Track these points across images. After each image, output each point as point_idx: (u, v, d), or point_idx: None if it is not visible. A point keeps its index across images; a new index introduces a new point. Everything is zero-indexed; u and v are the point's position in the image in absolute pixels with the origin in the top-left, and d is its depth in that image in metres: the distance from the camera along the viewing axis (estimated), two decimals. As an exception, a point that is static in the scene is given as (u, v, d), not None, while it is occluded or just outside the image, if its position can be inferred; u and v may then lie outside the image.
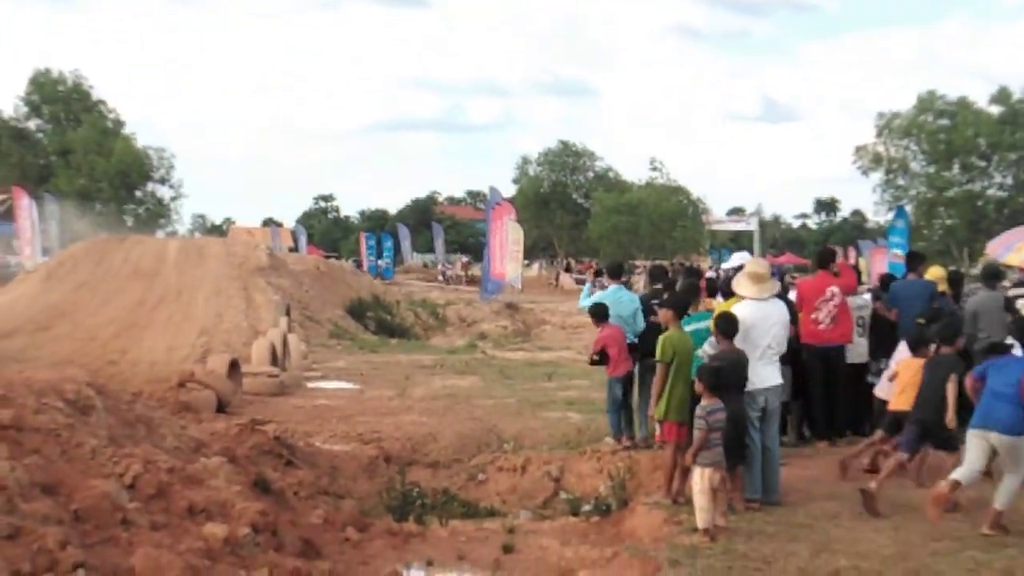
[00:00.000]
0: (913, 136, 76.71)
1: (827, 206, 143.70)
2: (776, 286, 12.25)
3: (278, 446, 14.74)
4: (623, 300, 15.27)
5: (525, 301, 51.09)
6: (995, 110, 74.72)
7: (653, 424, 12.64)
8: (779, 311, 11.79)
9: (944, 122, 75.67)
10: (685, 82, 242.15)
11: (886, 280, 16.39)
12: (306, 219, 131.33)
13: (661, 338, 11.97)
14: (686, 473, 11.54)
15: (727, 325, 11.30)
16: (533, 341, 39.17)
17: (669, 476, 11.68)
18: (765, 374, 11.46)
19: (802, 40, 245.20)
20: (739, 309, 11.60)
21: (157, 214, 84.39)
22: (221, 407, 18.65)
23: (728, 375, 10.80)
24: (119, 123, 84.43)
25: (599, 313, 14.56)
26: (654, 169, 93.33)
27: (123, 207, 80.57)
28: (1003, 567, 9.06)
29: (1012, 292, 15.45)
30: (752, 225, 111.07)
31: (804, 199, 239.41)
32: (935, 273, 16.52)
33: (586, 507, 13.08)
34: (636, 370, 14.81)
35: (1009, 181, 75.64)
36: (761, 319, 11.57)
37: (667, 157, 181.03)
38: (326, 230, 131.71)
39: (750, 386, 11.23)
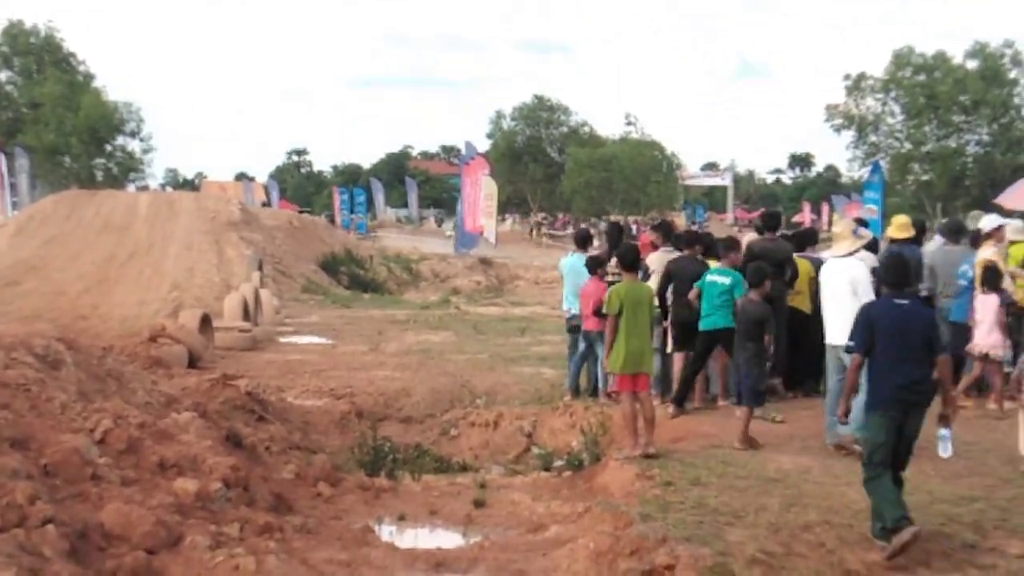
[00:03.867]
0: (890, 92, 76.72)
1: (801, 161, 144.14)
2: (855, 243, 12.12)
3: (250, 401, 14.70)
4: (578, 268, 15.64)
5: (499, 256, 51.03)
6: (971, 65, 74.72)
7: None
8: (845, 267, 11.78)
9: (921, 78, 75.69)
10: (660, 38, 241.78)
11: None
12: (279, 174, 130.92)
13: (609, 290, 12.03)
14: (651, 423, 11.61)
15: None
16: (506, 296, 39.18)
17: (632, 428, 11.67)
18: None
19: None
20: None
21: (128, 168, 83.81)
22: (193, 362, 18.61)
23: None
24: (89, 76, 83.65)
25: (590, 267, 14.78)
26: (629, 124, 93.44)
27: (93, 161, 79.91)
28: (972, 521, 9.11)
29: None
30: (726, 180, 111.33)
31: (778, 154, 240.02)
32: (897, 221, 16.56)
33: (558, 462, 13.09)
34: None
35: (987, 137, 75.73)
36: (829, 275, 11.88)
37: (642, 112, 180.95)
38: (299, 185, 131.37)
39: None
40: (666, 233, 15.95)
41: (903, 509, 8.63)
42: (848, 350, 9.55)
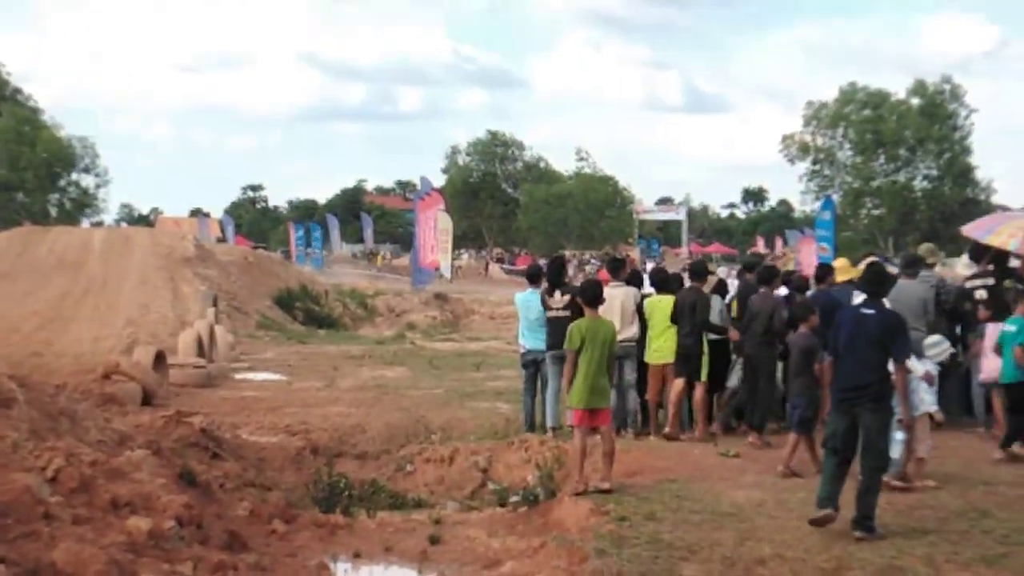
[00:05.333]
0: (840, 127, 77.64)
1: (755, 195, 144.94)
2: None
3: (204, 438, 14.63)
4: (531, 304, 15.93)
5: (454, 291, 51.03)
6: (915, 102, 75.73)
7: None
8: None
9: (868, 112, 76.61)
10: (613, 73, 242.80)
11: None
12: (234, 209, 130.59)
13: (571, 325, 12.15)
14: (610, 458, 11.68)
15: None
16: (462, 331, 39.20)
17: (579, 464, 11.74)
18: None
19: (726, 31, 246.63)
20: None
21: (82, 204, 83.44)
22: (147, 399, 18.50)
23: None
24: (38, 111, 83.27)
25: None
26: (581, 159, 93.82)
27: (47, 197, 79.48)
28: (923, 554, 9.16)
29: (970, 284, 15.50)
30: (681, 215, 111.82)
31: (732, 189, 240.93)
32: (840, 264, 16.83)
33: (514, 498, 13.08)
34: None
35: (935, 172, 76.65)
36: None
37: (595, 147, 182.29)
38: (255, 220, 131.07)
39: None
40: (613, 268, 16.05)
41: (827, 492, 9.88)
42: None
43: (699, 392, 14.91)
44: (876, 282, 10.64)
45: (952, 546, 9.37)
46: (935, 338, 12.43)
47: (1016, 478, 11.81)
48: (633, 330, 14.89)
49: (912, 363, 11.11)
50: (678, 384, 14.83)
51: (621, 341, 14.43)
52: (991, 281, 15.05)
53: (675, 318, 14.97)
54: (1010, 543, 9.40)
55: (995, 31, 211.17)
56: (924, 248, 17.37)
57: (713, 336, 15.39)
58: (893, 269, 15.37)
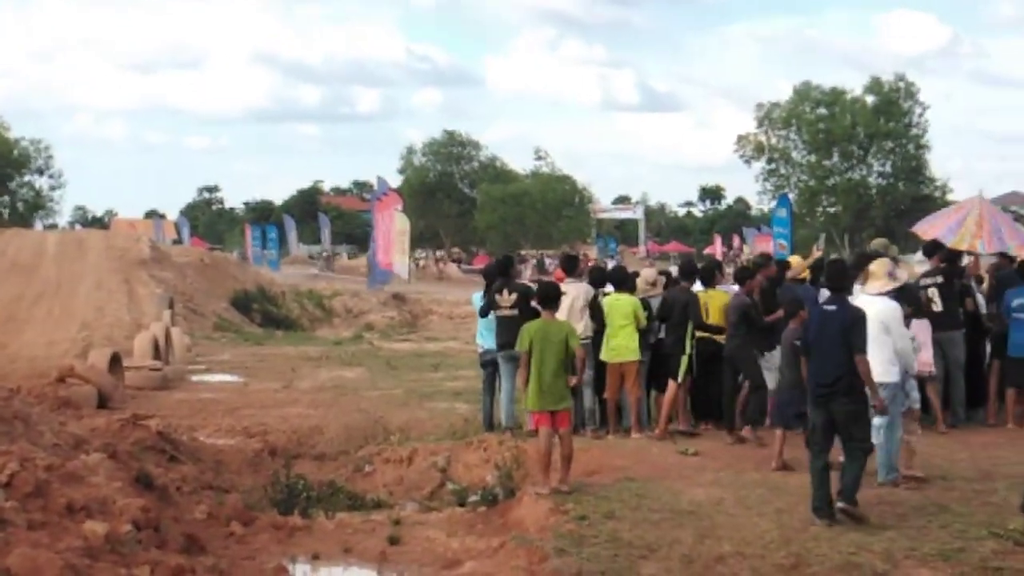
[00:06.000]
0: (793, 126, 78.05)
1: (712, 194, 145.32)
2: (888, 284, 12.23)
3: (161, 441, 14.55)
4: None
5: (412, 291, 50.95)
6: (870, 99, 76.22)
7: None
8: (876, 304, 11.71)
9: (822, 111, 77.06)
10: (569, 72, 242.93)
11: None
12: (190, 211, 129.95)
13: (522, 327, 12.26)
14: (568, 461, 11.70)
15: None
16: (420, 331, 39.15)
17: (544, 465, 11.75)
18: None
19: (681, 29, 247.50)
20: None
21: (35, 206, 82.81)
22: (102, 402, 18.38)
23: None
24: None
25: None
26: (539, 159, 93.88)
27: (-1, 199, 78.93)
28: (882, 549, 9.21)
29: (923, 281, 15.51)
30: (638, 213, 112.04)
31: (689, 187, 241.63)
32: (794, 261, 16.93)
33: (473, 497, 13.06)
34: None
35: (888, 169, 77.18)
36: None
37: (553, 146, 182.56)
38: (211, 222, 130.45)
39: None
40: (568, 266, 16.07)
41: (821, 500, 10.15)
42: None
43: (671, 390, 14.90)
44: (838, 279, 10.90)
45: (910, 541, 9.42)
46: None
47: (974, 473, 11.89)
48: (581, 327, 14.88)
49: (913, 364, 11.67)
50: (672, 385, 14.93)
51: None
52: (940, 279, 15.11)
53: (663, 316, 15.04)
54: (967, 538, 9.45)
55: (947, 30, 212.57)
56: (877, 243, 17.46)
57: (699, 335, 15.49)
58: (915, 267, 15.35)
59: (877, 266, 12.27)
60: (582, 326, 14.82)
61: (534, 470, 12.58)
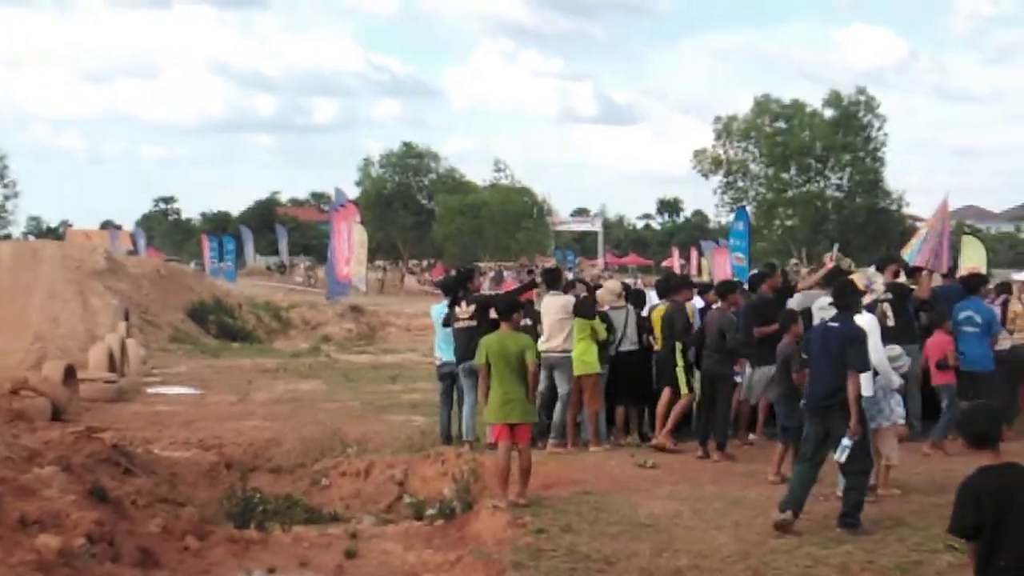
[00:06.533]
0: (752, 139, 78.42)
1: (670, 207, 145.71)
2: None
3: (116, 454, 14.44)
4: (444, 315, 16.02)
5: (370, 303, 50.83)
6: (828, 113, 76.71)
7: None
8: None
9: (781, 125, 77.49)
10: (528, 84, 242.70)
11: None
12: (146, 221, 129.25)
13: (480, 340, 12.32)
14: (526, 475, 11.68)
15: None
16: (377, 343, 39.07)
17: (503, 478, 11.73)
18: None
19: (640, 42, 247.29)
20: None
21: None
22: (56, 415, 18.21)
23: None
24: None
25: None
26: (498, 170, 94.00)
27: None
28: (839, 563, 9.26)
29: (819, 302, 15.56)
30: (596, 226, 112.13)
31: (648, 200, 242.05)
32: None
33: (430, 511, 13.05)
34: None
35: (845, 182, 77.69)
36: None
37: (512, 158, 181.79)
38: (167, 232, 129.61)
39: None
40: (550, 279, 16.09)
41: (795, 497, 10.33)
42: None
43: (665, 398, 14.99)
44: (843, 296, 11.14)
45: (867, 554, 9.47)
46: (895, 351, 12.52)
47: (930, 487, 11.95)
48: (560, 340, 14.90)
49: (892, 377, 11.68)
50: (664, 395, 15.01)
51: (549, 351, 14.58)
52: (890, 295, 15.17)
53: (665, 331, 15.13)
54: (923, 550, 9.51)
55: (905, 45, 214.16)
56: (829, 256, 17.67)
57: (630, 347, 15.55)
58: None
59: (859, 279, 12.45)
60: (562, 339, 14.86)
61: (492, 483, 12.56)
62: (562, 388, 14.92)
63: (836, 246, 19.04)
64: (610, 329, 15.36)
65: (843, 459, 10.44)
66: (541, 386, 14.35)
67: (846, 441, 10.50)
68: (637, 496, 11.84)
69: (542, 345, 14.60)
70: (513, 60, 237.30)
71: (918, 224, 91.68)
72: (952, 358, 14.39)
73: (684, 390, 14.81)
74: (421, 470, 15.08)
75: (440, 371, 16.21)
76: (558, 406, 15.00)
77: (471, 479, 13.52)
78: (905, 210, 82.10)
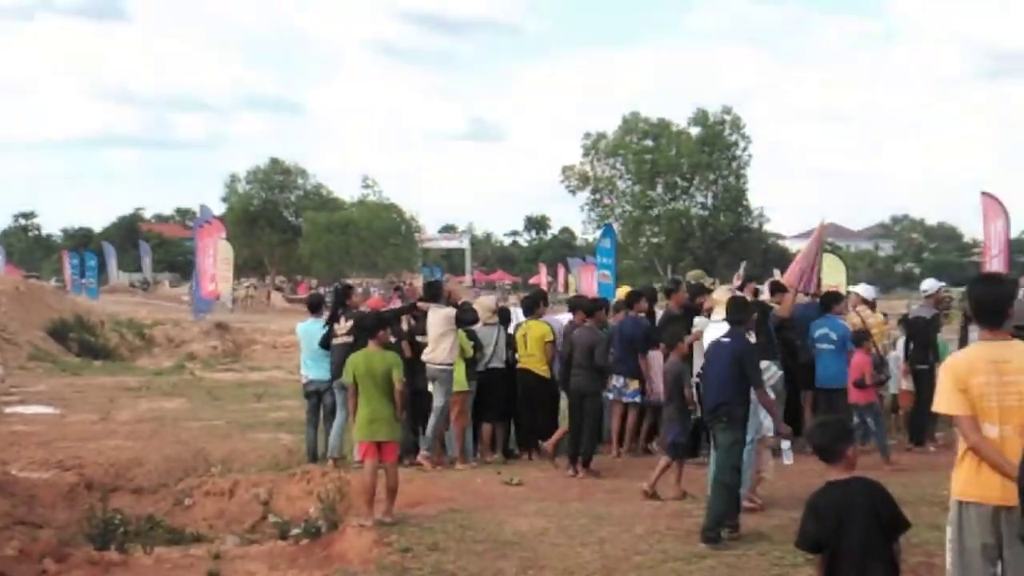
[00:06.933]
0: (620, 156, 79.19)
1: (537, 224, 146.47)
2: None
3: (-30, 475, 14.10)
4: (313, 334, 16.10)
5: (235, 320, 50.30)
6: (695, 131, 77.79)
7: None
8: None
9: (648, 143, 78.38)
10: (395, 100, 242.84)
11: None
12: (5, 237, 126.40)
13: (347, 360, 12.31)
14: (393, 493, 11.65)
15: None
16: (243, 361, 38.65)
17: (369, 497, 11.69)
18: None
19: (508, 60, 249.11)
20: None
21: None
22: (-92, 435, 17.75)
23: None
24: None
25: None
26: (367, 187, 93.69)
27: None
28: (702, 578, 9.35)
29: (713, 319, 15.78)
30: (464, 243, 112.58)
31: (515, 217, 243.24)
32: (623, 292, 17.18)
33: (295, 530, 12.89)
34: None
35: (710, 200, 78.80)
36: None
37: (379, 175, 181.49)
38: (27, 249, 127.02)
39: None
40: (431, 293, 16.07)
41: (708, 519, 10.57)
42: None
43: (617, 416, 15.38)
44: (736, 312, 11.33)
45: (729, 570, 9.58)
46: (764, 365, 12.70)
47: (791, 502, 12.07)
48: (440, 353, 14.89)
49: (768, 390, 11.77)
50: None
51: (430, 363, 14.64)
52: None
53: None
54: (784, 565, 9.64)
55: (770, 64, 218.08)
56: (693, 274, 17.96)
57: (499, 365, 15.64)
58: None
59: (721, 294, 12.64)
60: (442, 352, 14.85)
61: (358, 502, 12.49)
62: (438, 400, 14.91)
63: (743, 264, 19.24)
64: (478, 346, 15.40)
65: (790, 461, 10.78)
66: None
67: (785, 444, 10.77)
68: (504, 513, 11.86)
69: (425, 357, 14.88)
70: (382, 76, 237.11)
71: (780, 242, 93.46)
72: (870, 377, 14.67)
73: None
74: (287, 489, 14.94)
75: (306, 389, 16.17)
76: (432, 418, 14.99)
77: (337, 498, 13.40)
78: (767, 227, 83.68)
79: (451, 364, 14.94)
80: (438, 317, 15.08)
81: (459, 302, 15.91)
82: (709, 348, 11.34)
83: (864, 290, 17.92)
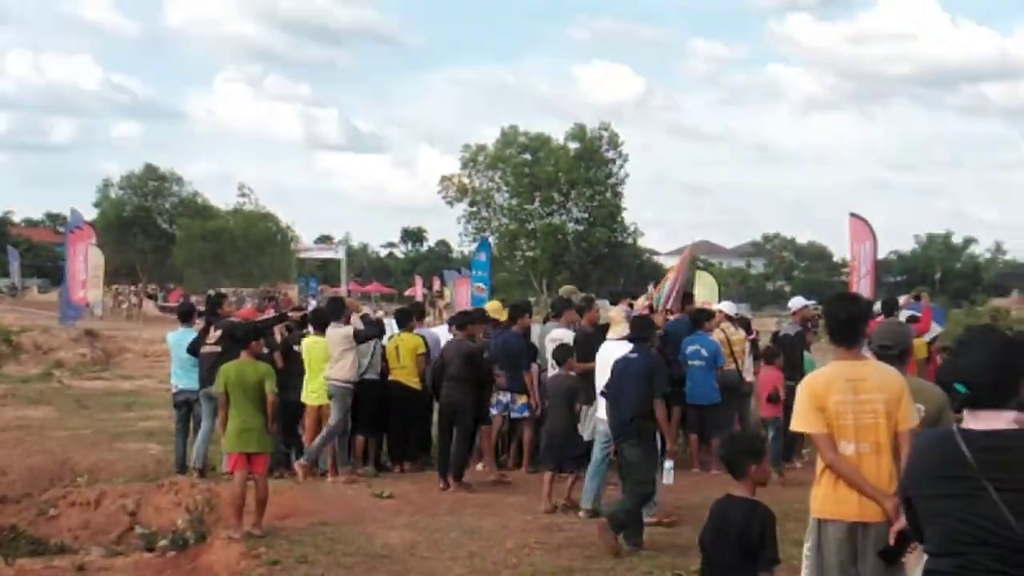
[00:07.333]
0: (499, 169, 79.50)
1: (414, 236, 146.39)
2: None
3: None
4: (183, 343, 15.95)
5: (106, 328, 49.51)
6: (573, 146, 78.38)
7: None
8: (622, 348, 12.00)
9: (527, 156, 78.80)
10: (272, 109, 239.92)
11: None
12: None
13: (219, 369, 12.29)
14: (262, 505, 11.59)
15: None
16: (113, 369, 38.07)
17: (237, 508, 11.61)
18: None
19: (385, 71, 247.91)
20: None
21: None
22: None
23: None
24: None
25: None
26: (243, 195, 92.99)
27: None
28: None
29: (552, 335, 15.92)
30: (340, 253, 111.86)
31: (392, 228, 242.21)
32: (492, 306, 17.26)
33: (162, 542, 12.75)
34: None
35: (586, 215, 79.40)
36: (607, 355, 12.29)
37: (257, 183, 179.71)
38: None
39: None
40: (333, 309, 15.98)
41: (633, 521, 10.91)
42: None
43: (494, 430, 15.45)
44: (641, 329, 11.67)
45: (596, 583, 9.66)
46: None
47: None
48: (339, 370, 14.87)
49: None
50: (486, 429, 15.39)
51: (329, 380, 14.59)
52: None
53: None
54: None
55: (642, 82, 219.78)
56: (565, 289, 18.13)
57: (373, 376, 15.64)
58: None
59: (617, 312, 12.87)
60: (343, 369, 14.82)
61: (227, 513, 12.40)
62: (334, 417, 14.92)
63: (652, 284, 19.48)
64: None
65: (669, 480, 11.08)
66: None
67: (668, 464, 10.92)
68: (374, 526, 11.85)
69: (326, 373, 14.96)
70: (259, 85, 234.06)
71: (655, 258, 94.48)
72: (783, 391, 14.87)
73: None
74: (155, 500, 14.75)
75: (176, 399, 16.04)
76: (324, 432, 14.98)
77: (206, 509, 13.29)
78: (641, 243, 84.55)
79: (350, 381, 14.94)
80: (338, 335, 15.06)
81: (361, 315, 16.00)
82: (616, 364, 11.41)
83: (727, 307, 18.22)
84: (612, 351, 12.07)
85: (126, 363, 40.93)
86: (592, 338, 14.68)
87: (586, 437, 13.69)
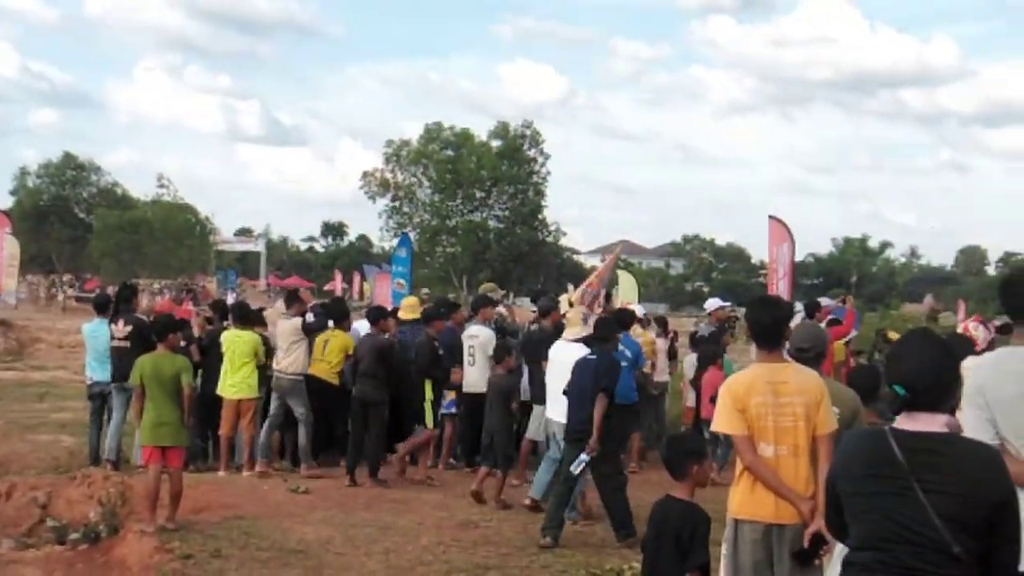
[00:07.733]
0: (422, 164, 79.34)
1: (334, 230, 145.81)
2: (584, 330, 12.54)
3: None
4: (99, 335, 15.78)
5: (19, 317, 48.88)
6: (495, 143, 78.40)
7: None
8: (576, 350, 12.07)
9: (450, 152, 78.71)
10: (194, 99, 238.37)
11: None
12: None
13: (135, 361, 12.18)
14: (177, 500, 11.50)
15: None
16: (27, 360, 37.60)
17: (152, 502, 11.52)
18: None
19: (308, 64, 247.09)
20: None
21: None
22: None
23: None
24: None
25: None
26: (162, 186, 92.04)
27: None
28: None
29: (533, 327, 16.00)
30: (260, 246, 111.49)
31: (312, 222, 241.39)
32: (406, 303, 17.24)
33: (74, 535, 12.60)
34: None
35: (507, 213, 79.44)
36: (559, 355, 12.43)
37: (176, 174, 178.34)
38: None
39: None
40: (289, 301, 15.88)
41: (555, 520, 11.18)
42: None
43: (426, 435, 14.95)
44: (602, 329, 11.89)
45: (510, 581, 9.70)
46: None
47: (578, 514, 12.31)
48: (287, 362, 14.82)
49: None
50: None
51: (279, 373, 14.49)
52: (546, 323, 15.66)
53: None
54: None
55: (565, 82, 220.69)
56: (486, 287, 18.19)
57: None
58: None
59: (574, 314, 12.97)
60: (293, 362, 14.76)
61: (141, 507, 12.27)
62: (298, 411, 14.93)
63: (571, 284, 19.59)
64: (269, 353, 15.30)
65: (577, 471, 11.10)
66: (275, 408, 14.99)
67: (584, 456, 10.98)
68: (289, 521, 11.80)
69: (276, 367, 15.06)
70: (179, 75, 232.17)
71: (575, 257, 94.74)
72: None
73: (429, 424, 14.80)
74: (67, 492, 14.54)
75: (91, 391, 15.86)
76: (302, 430, 14.97)
77: (119, 502, 13.14)
78: (562, 242, 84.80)
79: (301, 375, 14.91)
80: (287, 327, 15.01)
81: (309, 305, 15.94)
82: (576, 364, 11.49)
83: (636, 308, 18.33)
84: (564, 351, 12.15)
85: (39, 354, 40.43)
86: (553, 339, 14.82)
87: (539, 437, 13.82)
